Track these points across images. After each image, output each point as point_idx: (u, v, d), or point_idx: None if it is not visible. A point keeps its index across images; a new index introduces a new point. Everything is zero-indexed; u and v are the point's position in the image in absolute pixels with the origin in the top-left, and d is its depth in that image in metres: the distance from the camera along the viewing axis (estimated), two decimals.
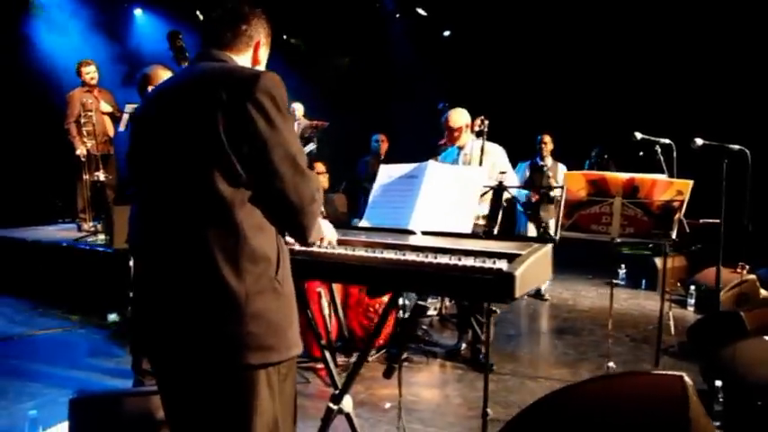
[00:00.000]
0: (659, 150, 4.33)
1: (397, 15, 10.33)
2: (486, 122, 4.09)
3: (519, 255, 2.06)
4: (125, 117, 6.11)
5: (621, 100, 8.66)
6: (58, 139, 7.75)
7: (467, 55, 9.89)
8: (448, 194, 2.63)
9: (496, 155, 4.48)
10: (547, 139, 7.10)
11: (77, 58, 7.97)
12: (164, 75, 3.69)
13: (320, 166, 7.36)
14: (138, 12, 9.50)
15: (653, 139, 4.31)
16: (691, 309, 6.43)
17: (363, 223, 2.72)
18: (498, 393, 4.02)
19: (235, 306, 1.62)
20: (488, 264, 1.93)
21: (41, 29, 8.47)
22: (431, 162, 2.78)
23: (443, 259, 2.03)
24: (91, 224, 6.88)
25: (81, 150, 6.67)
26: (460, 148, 4.59)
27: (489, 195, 3.82)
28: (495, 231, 3.17)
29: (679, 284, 7.20)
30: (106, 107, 6.86)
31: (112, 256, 5.63)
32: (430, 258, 2.05)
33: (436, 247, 2.21)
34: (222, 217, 1.63)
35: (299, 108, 7.35)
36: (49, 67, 8.28)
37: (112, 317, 5.47)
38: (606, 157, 7.94)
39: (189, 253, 1.65)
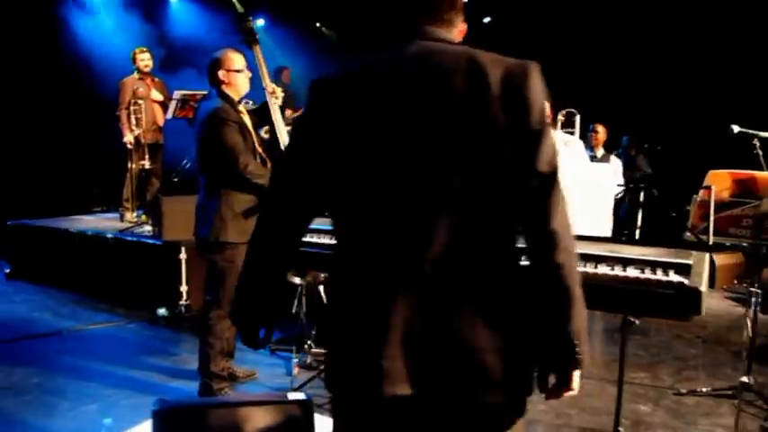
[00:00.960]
0: (758, 144, 4.00)
1: None
2: (578, 117, 3.74)
3: (687, 265, 1.78)
4: (173, 104, 5.88)
5: (669, 89, 8.25)
6: (96, 126, 7.64)
7: (509, 42, 9.52)
8: (580, 194, 2.35)
9: (578, 149, 4.18)
10: (599, 128, 6.72)
11: (114, 43, 7.85)
12: (236, 58, 3.44)
13: None
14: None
15: (752, 132, 3.98)
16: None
17: None
18: (581, 399, 3.72)
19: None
20: (670, 277, 1.65)
21: (76, 14, 8.30)
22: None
23: (612, 270, 1.76)
24: (134, 214, 6.68)
25: (128, 137, 6.46)
26: None
27: None
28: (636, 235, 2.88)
29: (736, 282, 6.87)
30: (157, 95, 6.66)
31: (161, 248, 5.41)
32: (601, 269, 1.77)
33: (586, 254, 1.93)
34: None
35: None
36: (87, 52, 8.11)
37: (162, 311, 5.25)
38: (634, 151, 7.44)
39: (499, 265, 1.32)
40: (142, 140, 6.55)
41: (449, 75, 1.31)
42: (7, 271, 6.49)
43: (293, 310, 4.25)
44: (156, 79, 6.87)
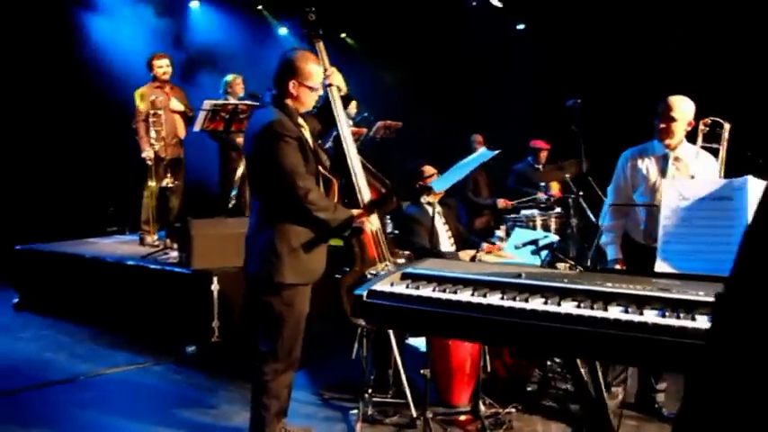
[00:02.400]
0: None
1: (474, 3, 9.41)
2: (727, 127, 3.01)
3: None
4: (201, 115, 5.26)
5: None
6: (112, 140, 7.06)
7: (549, 46, 8.91)
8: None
9: (710, 165, 3.47)
10: None
11: (133, 50, 7.26)
12: (316, 72, 2.87)
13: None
14: (194, 4, 8.73)
15: None
16: None
17: (661, 267, 1.82)
18: None
19: None
20: None
21: (93, 21, 7.74)
22: (750, 178, 1.89)
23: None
24: (155, 238, 6.05)
25: (147, 153, 5.85)
26: (669, 150, 3.39)
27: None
28: None
29: None
30: (177, 105, 6.06)
31: (190, 278, 4.77)
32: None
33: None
34: None
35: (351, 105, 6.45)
36: (103, 60, 7.54)
37: (191, 350, 4.61)
38: None
39: None
40: (162, 155, 5.94)
41: None
42: (15, 301, 5.84)
43: (353, 355, 3.60)
44: (176, 87, 6.28)
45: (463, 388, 3.66)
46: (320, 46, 3.13)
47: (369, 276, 3.10)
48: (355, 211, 2.91)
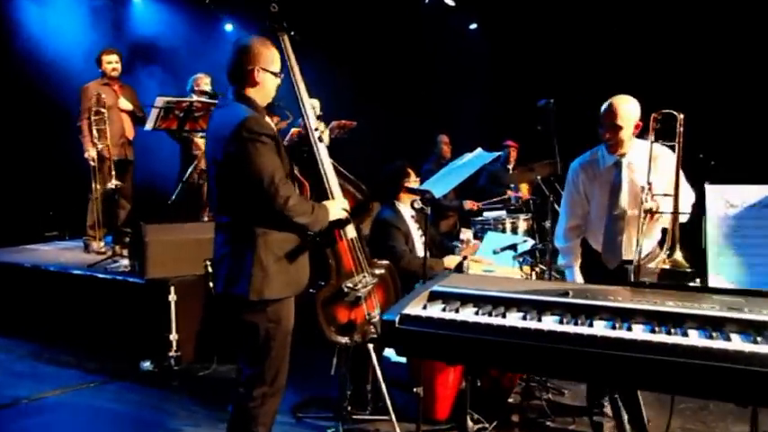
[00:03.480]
0: None
1: (426, 1, 9.26)
2: (681, 118, 2.86)
3: None
4: (154, 113, 4.90)
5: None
6: (53, 139, 6.56)
7: (503, 45, 8.87)
8: None
9: (667, 163, 3.38)
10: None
11: (71, 41, 6.77)
12: (275, 57, 2.64)
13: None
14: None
15: None
16: None
17: (716, 281, 1.67)
18: None
19: None
20: None
21: (25, 8, 7.15)
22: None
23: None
24: (102, 244, 5.63)
25: (90, 153, 5.44)
26: (620, 156, 3.21)
27: None
28: None
29: None
30: (126, 104, 5.68)
31: (143, 288, 4.42)
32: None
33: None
34: None
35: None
36: (38, 52, 6.97)
37: (146, 366, 4.27)
38: None
39: None
40: (107, 156, 5.52)
41: None
42: None
43: (332, 371, 3.37)
44: (125, 86, 5.88)
45: (446, 401, 3.48)
46: (285, 39, 2.87)
47: (345, 290, 2.88)
48: (330, 204, 2.69)
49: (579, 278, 3.30)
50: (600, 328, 1.51)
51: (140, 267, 4.46)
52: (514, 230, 5.52)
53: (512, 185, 6.28)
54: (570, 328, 1.50)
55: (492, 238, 4.57)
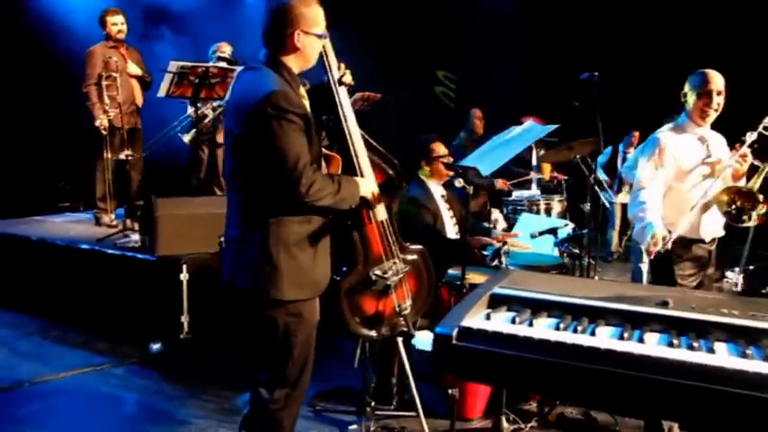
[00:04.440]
0: None
1: None
2: None
3: None
4: (167, 78, 4.59)
5: None
6: (61, 107, 6.29)
7: (538, 17, 8.39)
8: None
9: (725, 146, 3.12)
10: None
11: (77, 2, 6.44)
12: (319, 14, 2.27)
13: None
14: None
15: None
16: None
17: None
18: None
19: None
20: None
21: None
22: None
23: None
24: (113, 217, 5.38)
25: (102, 121, 5.15)
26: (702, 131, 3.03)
27: None
28: None
29: None
30: (135, 69, 5.36)
31: (154, 266, 4.17)
32: None
33: None
34: None
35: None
36: (45, 14, 6.66)
37: (156, 347, 4.03)
38: None
39: None
40: (118, 125, 5.23)
41: None
42: None
43: (356, 364, 3.09)
44: (132, 48, 5.54)
45: (477, 398, 3.19)
46: None
47: (373, 278, 2.55)
48: (361, 180, 2.37)
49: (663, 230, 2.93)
50: (748, 362, 1.14)
51: (151, 243, 4.19)
52: (548, 212, 5.17)
53: (533, 164, 5.89)
54: (695, 357, 1.14)
55: (527, 221, 4.23)
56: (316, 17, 2.21)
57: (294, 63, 2.22)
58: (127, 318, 4.24)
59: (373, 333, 2.60)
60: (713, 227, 3.02)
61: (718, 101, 2.92)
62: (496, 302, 1.43)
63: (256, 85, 2.12)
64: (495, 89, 7.61)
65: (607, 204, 5.20)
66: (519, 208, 5.12)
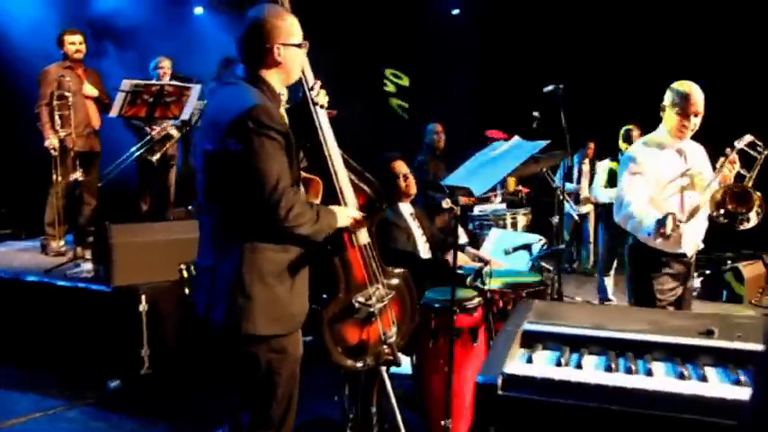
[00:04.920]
0: None
1: None
2: None
3: None
4: (119, 97, 4.36)
5: None
6: (8, 127, 5.95)
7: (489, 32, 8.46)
8: None
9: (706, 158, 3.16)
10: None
11: (25, 24, 6.12)
12: (296, 25, 2.16)
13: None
14: None
15: None
16: None
17: None
18: None
19: None
20: None
21: None
22: None
23: None
24: (62, 243, 5.06)
25: (51, 141, 4.85)
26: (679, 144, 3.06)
27: None
28: None
29: (760, 293, 6.27)
30: (91, 90, 5.11)
31: (110, 297, 3.90)
32: None
33: None
34: None
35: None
36: None
37: (115, 384, 3.76)
38: None
39: None
40: (70, 146, 4.93)
41: None
42: None
43: (336, 397, 2.93)
44: (90, 70, 5.30)
45: (461, 424, 3.07)
46: (285, 3, 2.36)
47: (356, 305, 2.41)
48: (339, 209, 2.24)
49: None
50: None
51: (106, 273, 3.93)
52: (514, 226, 5.14)
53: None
54: None
55: (498, 236, 4.16)
56: (291, 27, 2.10)
57: (275, 78, 2.10)
58: (81, 355, 3.95)
59: (358, 364, 2.45)
60: (695, 240, 3.02)
61: (696, 122, 2.95)
62: (530, 341, 1.32)
63: (235, 99, 1.99)
64: (452, 102, 7.60)
65: (576, 217, 5.20)
66: (485, 223, 5.07)
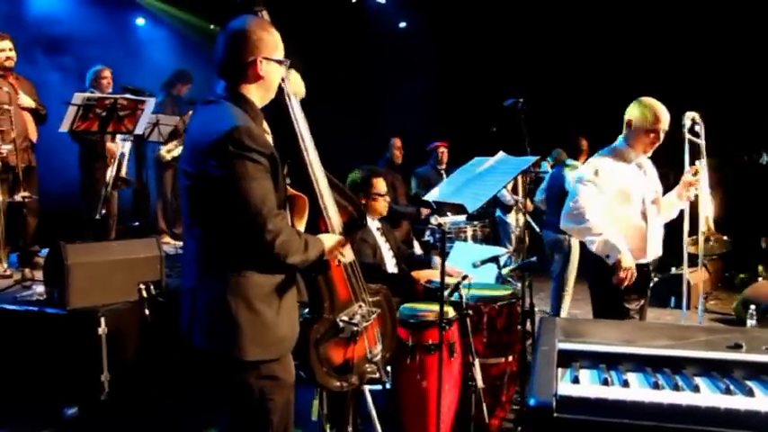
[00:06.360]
0: None
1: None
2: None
3: None
4: (71, 111, 4.18)
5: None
6: None
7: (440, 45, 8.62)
8: None
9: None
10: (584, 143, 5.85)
11: None
12: (277, 39, 2.12)
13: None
14: None
15: None
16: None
17: None
18: None
19: None
20: None
21: None
22: None
23: None
24: (6, 266, 4.79)
25: None
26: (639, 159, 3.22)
27: None
28: None
29: (704, 299, 6.54)
30: (27, 101, 4.82)
31: (66, 320, 3.72)
32: None
33: None
34: None
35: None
36: None
37: (71, 412, 3.59)
38: None
39: None
40: (12, 163, 4.68)
41: None
42: None
43: (314, 417, 2.89)
44: (23, 78, 5.00)
45: None
46: (265, 15, 2.33)
47: (341, 324, 2.40)
48: (326, 238, 2.23)
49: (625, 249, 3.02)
50: None
51: (60, 295, 3.74)
52: (474, 239, 5.22)
53: None
54: None
55: (462, 249, 4.22)
56: (276, 42, 2.07)
57: (256, 94, 2.06)
58: (35, 382, 3.74)
59: (344, 384, 2.43)
60: (656, 248, 3.16)
61: (661, 139, 3.09)
62: (565, 360, 1.34)
63: (216, 120, 1.94)
64: (404, 114, 7.68)
65: (537, 229, 5.33)
66: (446, 236, 5.12)
